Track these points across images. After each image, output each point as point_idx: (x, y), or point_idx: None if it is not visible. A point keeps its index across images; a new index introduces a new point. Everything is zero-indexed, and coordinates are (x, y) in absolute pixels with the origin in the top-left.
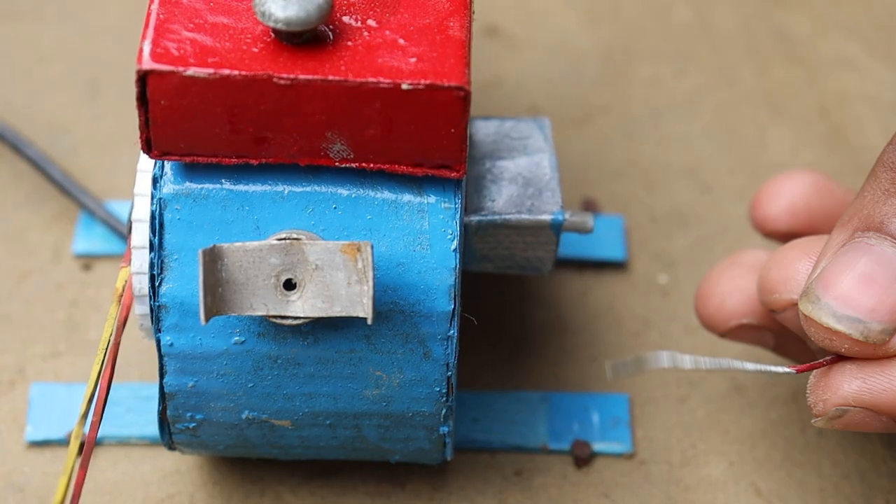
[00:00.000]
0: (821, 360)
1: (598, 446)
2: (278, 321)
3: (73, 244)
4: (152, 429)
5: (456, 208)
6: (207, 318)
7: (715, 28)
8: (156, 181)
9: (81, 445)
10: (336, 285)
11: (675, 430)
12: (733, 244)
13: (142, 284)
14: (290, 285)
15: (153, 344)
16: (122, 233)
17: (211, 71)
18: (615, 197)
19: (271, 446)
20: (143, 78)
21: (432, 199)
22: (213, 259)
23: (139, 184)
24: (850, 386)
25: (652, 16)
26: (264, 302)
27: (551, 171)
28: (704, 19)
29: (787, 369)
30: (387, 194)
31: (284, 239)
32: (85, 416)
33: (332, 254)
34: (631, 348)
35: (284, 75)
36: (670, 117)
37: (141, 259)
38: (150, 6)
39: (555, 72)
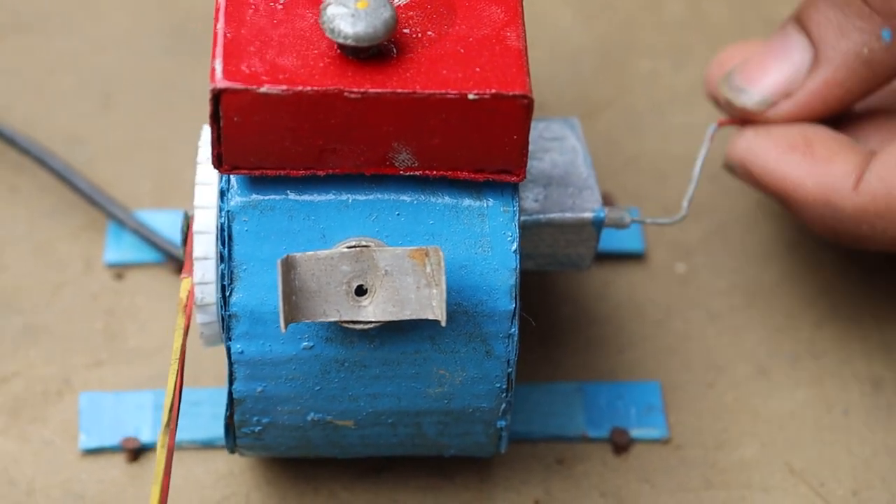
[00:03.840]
0: (734, 118)
1: (635, 433)
2: (350, 326)
3: (104, 254)
4: (203, 433)
5: (514, 211)
6: (286, 326)
7: (707, 20)
8: (223, 194)
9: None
10: (405, 289)
11: (706, 414)
12: (746, 231)
13: (204, 294)
14: (361, 291)
15: (200, 350)
16: (153, 241)
17: (284, 87)
18: (626, 190)
19: (332, 446)
20: (217, 96)
21: (491, 202)
22: (287, 269)
23: (199, 197)
24: (740, 145)
25: (645, 10)
26: (337, 308)
27: (587, 169)
28: (696, 12)
29: (713, 125)
30: (447, 199)
31: (354, 246)
32: (168, 424)
33: (401, 259)
34: (655, 337)
35: (355, 89)
36: (672, 110)
37: (203, 269)
38: (215, 25)
39: (555, 70)
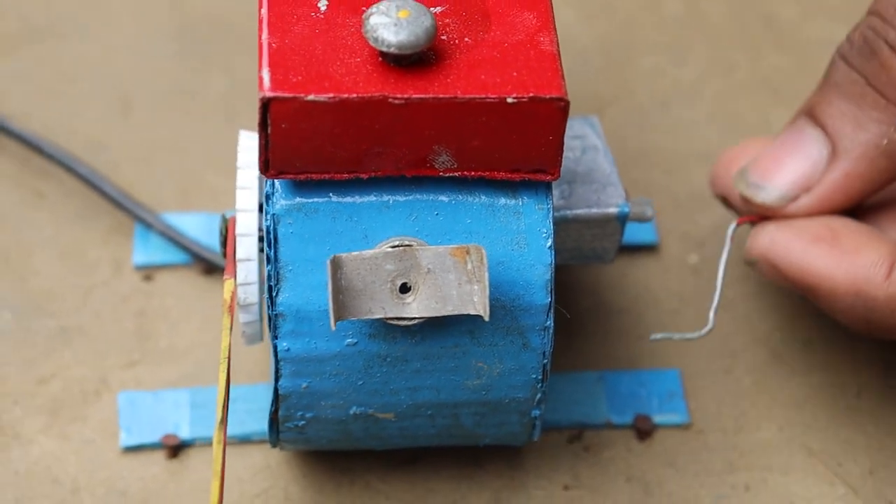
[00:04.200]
0: (752, 216)
1: (657, 419)
2: (395, 322)
3: (132, 257)
4: (239, 428)
5: (548, 209)
6: (336, 323)
7: (706, 18)
8: (268, 198)
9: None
10: (447, 286)
11: (725, 399)
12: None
13: (247, 294)
14: (405, 289)
15: (235, 349)
16: (181, 243)
17: (330, 95)
18: (636, 184)
19: (371, 438)
20: (266, 104)
21: (526, 201)
22: (335, 268)
23: (241, 200)
24: (762, 239)
25: (644, 10)
26: (382, 305)
27: (609, 166)
28: (694, 10)
29: (732, 225)
30: (484, 199)
31: (398, 246)
32: (222, 421)
33: (442, 257)
34: (671, 326)
35: (398, 95)
36: (676, 106)
37: (246, 271)
38: (260, 36)
39: None
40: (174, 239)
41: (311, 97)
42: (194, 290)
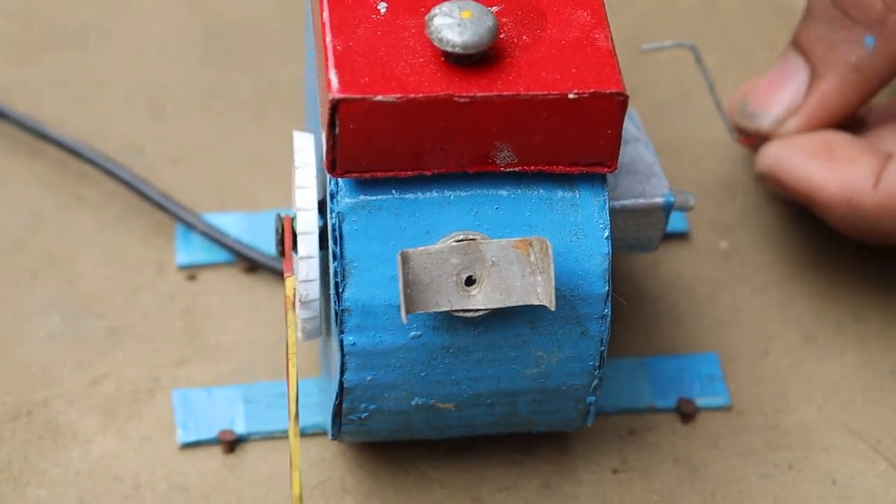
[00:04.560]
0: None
1: (699, 402)
2: (461, 315)
3: (175, 257)
4: None
5: (605, 200)
6: (407, 315)
7: (720, 9)
8: (332, 196)
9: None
10: (511, 278)
11: (763, 382)
12: (780, 207)
13: (308, 291)
14: (470, 281)
15: (282, 345)
16: (223, 243)
17: (398, 95)
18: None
19: (431, 428)
20: (336, 105)
21: (583, 193)
22: (404, 263)
23: (300, 199)
24: (768, 155)
25: (660, 3)
26: (448, 298)
27: (651, 156)
28: (709, 2)
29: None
30: (542, 192)
31: (462, 240)
32: (296, 415)
33: (506, 250)
34: (707, 311)
35: (463, 94)
36: (697, 97)
37: (307, 268)
38: (324, 40)
39: None
40: (217, 238)
41: (379, 97)
42: (238, 288)
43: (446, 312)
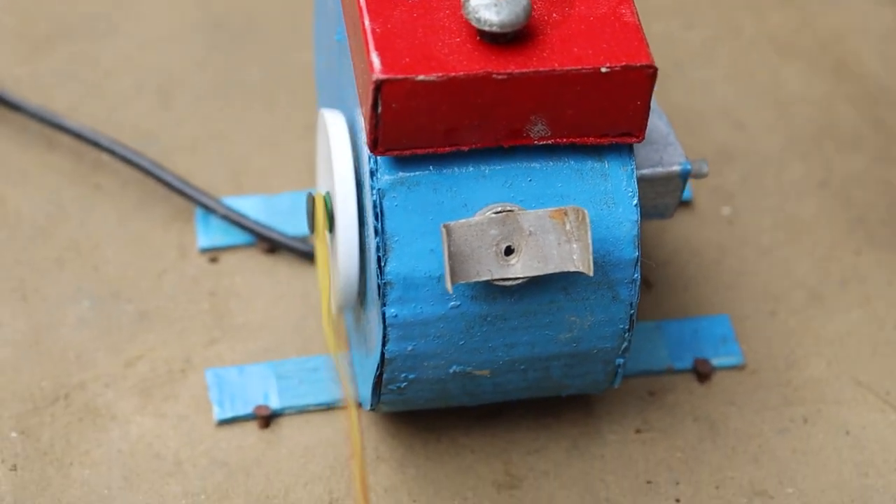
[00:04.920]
0: None
1: (714, 362)
2: (501, 283)
3: (197, 240)
4: (326, 395)
5: (632, 169)
6: (452, 286)
7: None
8: (372, 174)
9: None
10: (548, 247)
11: (773, 340)
12: (778, 172)
13: (348, 266)
14: (509, 251)
15: (307, 322)
16: (245, 225)
17: (439, 74)
18: None
19: (466, 395)
20: (379, 86)
21: (612, 163)
22: (447, 235)
23: (338, 176)
24: None
25: None
26: (489, 268)
27: (666, 126)
28: None
29: None
30: (572, 163)
31: (500, 212)
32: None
33: (542, 220)
34: (714, 275)
35: (501, 71)
36: (690, 68)
37: (347, 241)
38: (362, 23)
39: None
40: (238, 221)
41: (420, 77)
42: (260, 268)
43: (486, 282)
